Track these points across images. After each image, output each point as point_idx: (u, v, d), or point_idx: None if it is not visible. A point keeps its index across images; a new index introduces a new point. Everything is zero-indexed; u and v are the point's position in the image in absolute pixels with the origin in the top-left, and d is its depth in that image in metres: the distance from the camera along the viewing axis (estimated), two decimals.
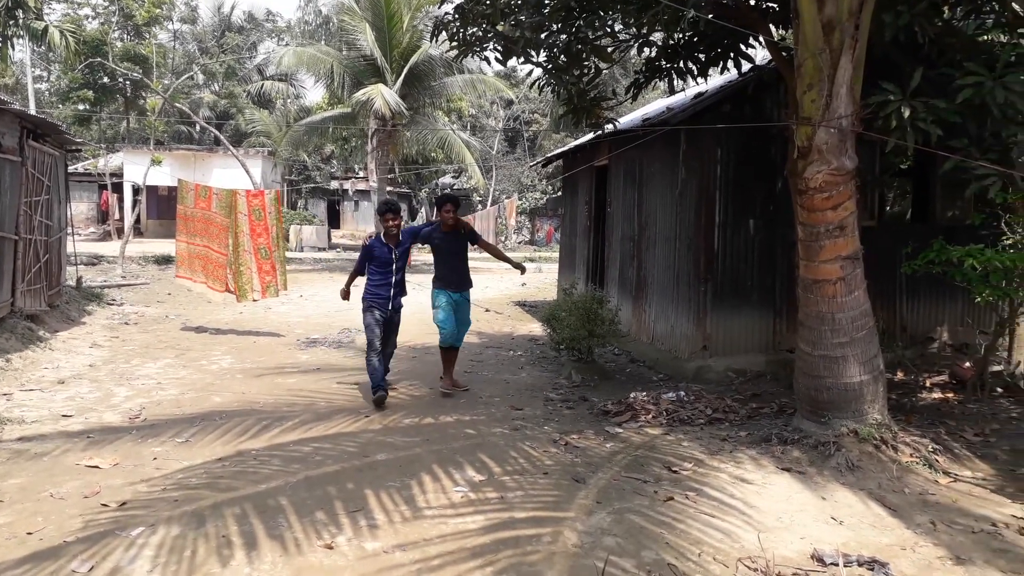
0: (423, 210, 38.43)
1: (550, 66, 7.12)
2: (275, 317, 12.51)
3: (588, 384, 7.78)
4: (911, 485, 4.94)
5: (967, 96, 5.50)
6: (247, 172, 22.25)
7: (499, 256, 7.91)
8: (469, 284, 7.47)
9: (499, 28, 6.90)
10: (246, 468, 5.01)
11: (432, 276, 7.43)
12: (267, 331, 11.00)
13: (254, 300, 11.10)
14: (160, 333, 10.58)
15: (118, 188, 30.68)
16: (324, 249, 31.29)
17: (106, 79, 32.87)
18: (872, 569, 3.79)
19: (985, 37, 7.08)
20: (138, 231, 29.18)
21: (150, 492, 4.57)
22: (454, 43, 7.37)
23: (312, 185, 37.90)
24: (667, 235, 8.96)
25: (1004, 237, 6.78)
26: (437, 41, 8.22)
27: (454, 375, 7.55)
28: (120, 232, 27.36)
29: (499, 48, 7.36)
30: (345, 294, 7.38)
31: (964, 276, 6.32)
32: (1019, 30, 6.32)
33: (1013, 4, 6.52)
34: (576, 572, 3.63)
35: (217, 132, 26.77)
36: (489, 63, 8.20)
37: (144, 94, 34.02)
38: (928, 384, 7.54)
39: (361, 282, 7.21)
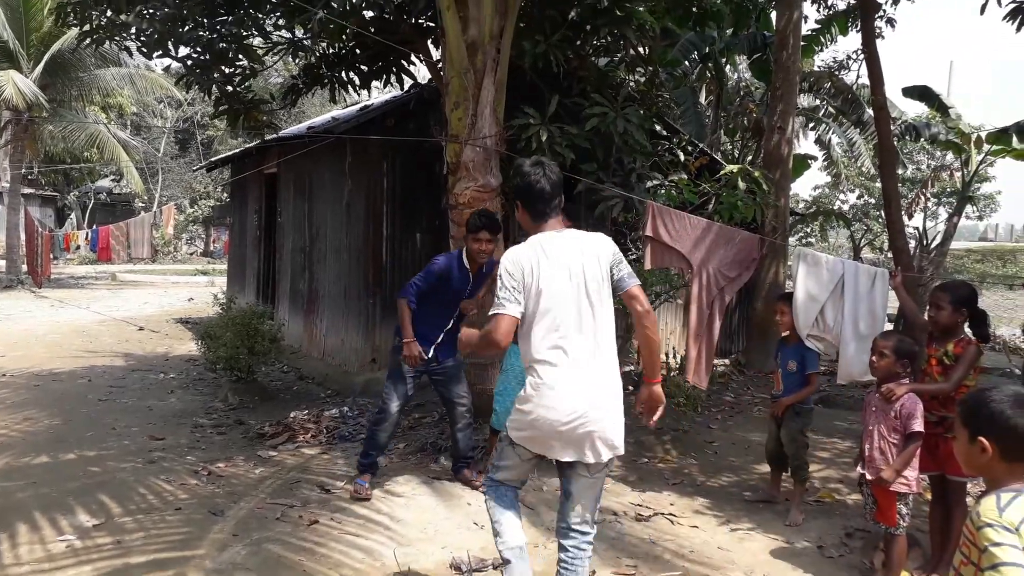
0: (73, 215, 33.92)
1: (191, 64, 6.54)
2: None
3: (247, 406, 7.27)
4: (550, 483, 5.26)
5: (594, 125, 6.09)
6: None
7: None
8: None
9: (124, 18, 6.17)
10: None
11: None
12: None
13: None
14: None
15: None
16: None
17: None
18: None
19: (618, 73, 7.96)
20: None
21: None
22: (84, 29, 6.48)
23: None
24: (337, 247, 8.79)
25: (630, 253, 7.64)
26: (66, 24, 7.11)
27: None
28: None
29: (142, 39, 6.63)
30: (414, 351, 4.78)
31: None
32: (638, 69, 7.19)
33: (638, 47, 7.42)
34: None
35: None
36: (131, 54, 7.37)
37: None
38: None
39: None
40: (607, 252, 3.08)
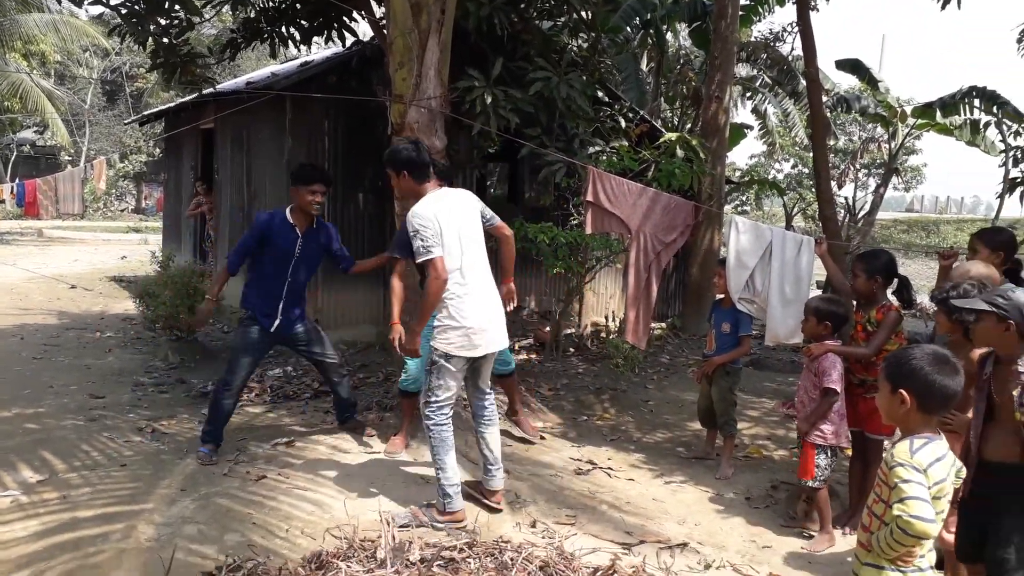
0: None
1: (125, 13, 6.33)
2: None
3: (188, 365, 7.22)
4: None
5: (537, 89, 6.16)
6: None
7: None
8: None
9: None
10: None
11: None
12: None
13: None
14: None
15: None
16: None
17: None
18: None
19: (561, 38, 8.02)
20: None
21: None
22: None
23: None
24: (278, 206, 8.68)
25: (571, 218, 7.80)
26: None
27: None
28: None
29: None
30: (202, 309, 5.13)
31: (539, 251, 7.12)
32: (581, 34, 7.25)
33: (581, 12, 7.48)
34: (148, 568, 3.33)
35: None
36: (59, 1, 7.08)
37: None
38: (516, 347, 8.40)
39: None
40: (478, 204, 4.13)
